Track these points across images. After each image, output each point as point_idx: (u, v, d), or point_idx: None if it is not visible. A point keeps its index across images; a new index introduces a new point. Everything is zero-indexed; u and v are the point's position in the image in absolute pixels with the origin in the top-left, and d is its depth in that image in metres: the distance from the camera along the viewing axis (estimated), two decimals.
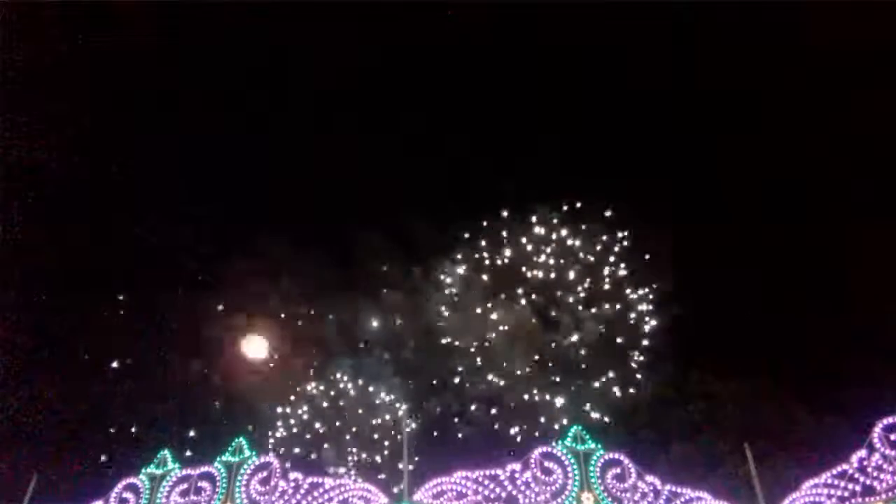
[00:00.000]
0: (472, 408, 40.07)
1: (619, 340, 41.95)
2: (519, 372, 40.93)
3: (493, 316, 42.42)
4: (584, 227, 44.27)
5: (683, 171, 43.42)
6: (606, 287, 43.22)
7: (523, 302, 43.07)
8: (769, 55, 40.78)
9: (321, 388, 41.08)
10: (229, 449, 19.81)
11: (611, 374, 40.88)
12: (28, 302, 36.35)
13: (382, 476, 35.52)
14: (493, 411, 40.08)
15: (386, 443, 38.48)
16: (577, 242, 44.00)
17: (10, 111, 34.57)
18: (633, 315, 42.43)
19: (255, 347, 40.44)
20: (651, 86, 43.69)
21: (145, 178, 40.83)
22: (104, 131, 39.42)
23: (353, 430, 39.51)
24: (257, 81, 44.71)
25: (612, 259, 43.67)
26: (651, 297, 42.47)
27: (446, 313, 42.99)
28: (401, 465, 20.34)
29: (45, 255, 36.67)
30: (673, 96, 43.85)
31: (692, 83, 43.07)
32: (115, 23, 37.81)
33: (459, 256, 44.34)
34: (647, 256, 43.09)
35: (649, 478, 19.77)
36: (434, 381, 41.20)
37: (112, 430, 37.47)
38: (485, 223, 44.68)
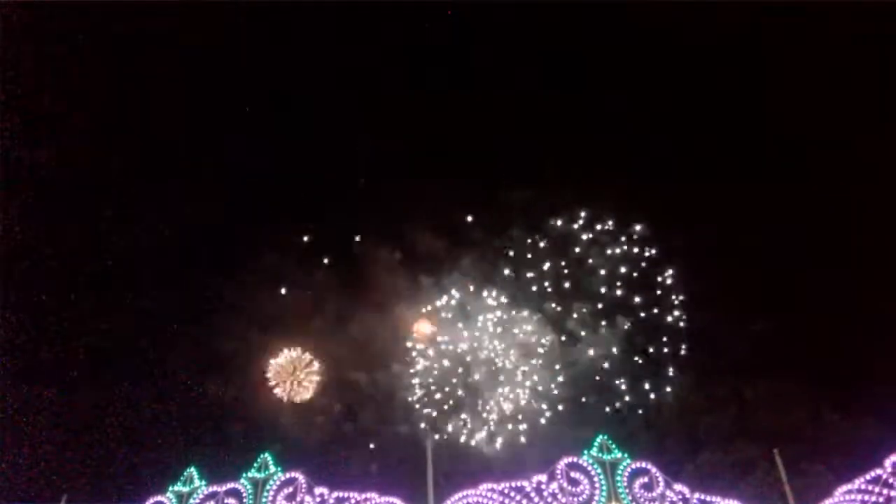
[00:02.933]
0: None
1: (643, 349, 41.58)
2: (541, 388, 40.73)
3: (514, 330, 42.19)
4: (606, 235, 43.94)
5: (718, 173, 43.00)
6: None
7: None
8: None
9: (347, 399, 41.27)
10: (255, 465, 20.04)
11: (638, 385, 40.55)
12: (28, 302, 36.74)
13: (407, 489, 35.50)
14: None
15: (409, 456, 38.53)
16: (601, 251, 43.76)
17: (9, 111, 35.14)
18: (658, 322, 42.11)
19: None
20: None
21: (146, 178, 41.16)
22: (104, 131, 39.91)
23: (377, 442, 39.60)
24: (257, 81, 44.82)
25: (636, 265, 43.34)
26: (677, 303, 42.11)
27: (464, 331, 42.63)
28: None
29: (45, 255, 37.13)
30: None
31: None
32: (115, 22, 38.18)
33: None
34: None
35: (678, 486, 19.68)
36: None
37: (109, 432, 37.28)
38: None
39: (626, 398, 40.06)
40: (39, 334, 36.89)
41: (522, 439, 39.68)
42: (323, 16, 43.60)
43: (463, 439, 39.61)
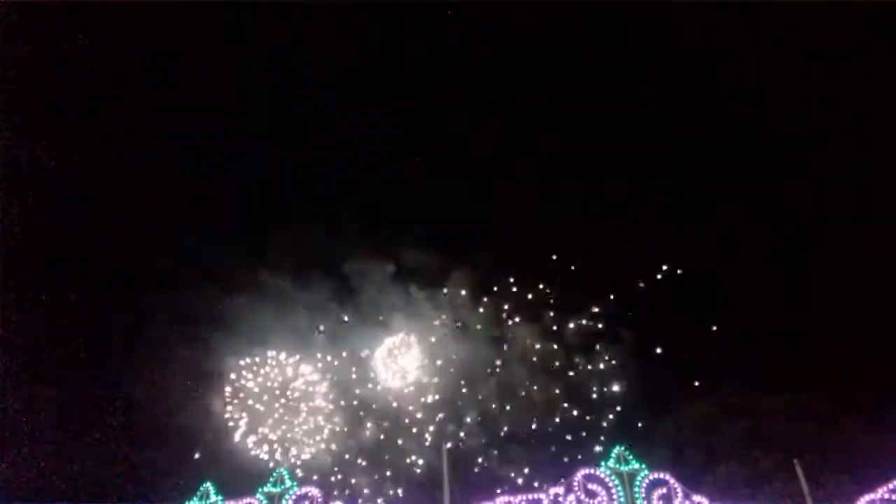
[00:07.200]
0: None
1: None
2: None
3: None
4: None
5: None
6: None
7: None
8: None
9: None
10: (270, 479, 20.12)
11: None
12: (28, 302, 36.42)
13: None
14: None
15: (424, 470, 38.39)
16: None
17: (10, 111, 35.06)
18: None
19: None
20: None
21: (146, 178, 41.27)
22: (103, 131, 40.16)
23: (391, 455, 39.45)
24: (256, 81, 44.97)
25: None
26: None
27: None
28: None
29: (45, 255, 37.10)
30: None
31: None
32: (115, 22, 38.45)
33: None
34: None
35: (696, 497, 19.68)
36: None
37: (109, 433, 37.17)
38: None
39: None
40: (39, 334, 36.98)
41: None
42: (322, 16, 43.98)
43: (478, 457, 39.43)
